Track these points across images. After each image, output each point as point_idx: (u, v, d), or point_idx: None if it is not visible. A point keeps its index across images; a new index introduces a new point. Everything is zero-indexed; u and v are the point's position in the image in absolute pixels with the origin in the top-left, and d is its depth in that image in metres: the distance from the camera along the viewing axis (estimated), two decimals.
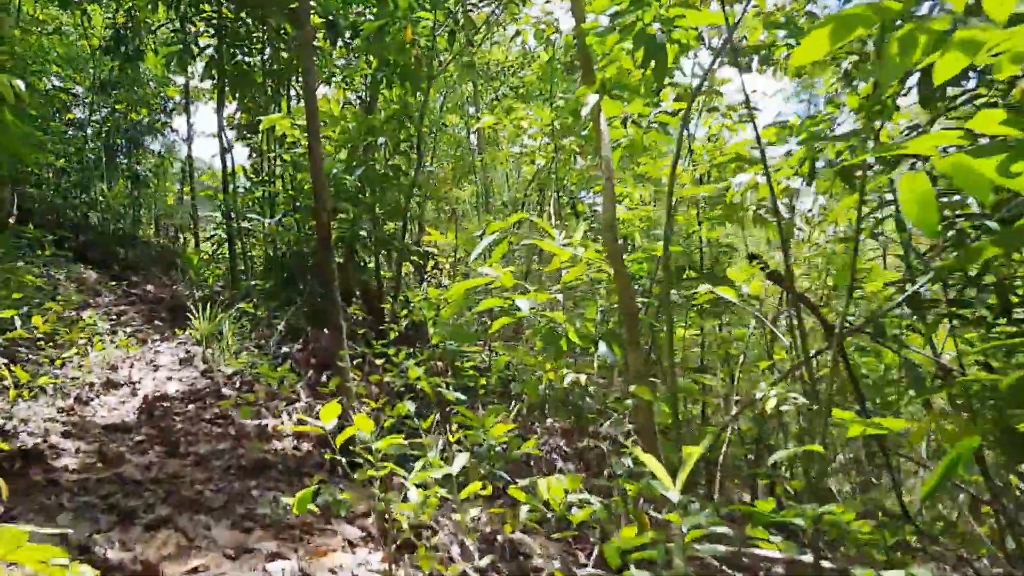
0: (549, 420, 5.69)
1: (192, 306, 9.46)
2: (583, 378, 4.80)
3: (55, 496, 3.44)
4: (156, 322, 8.06)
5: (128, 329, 7.30)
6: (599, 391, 5.98)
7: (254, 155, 11.80)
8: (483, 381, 6.15)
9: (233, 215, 10.25)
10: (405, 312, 5.74)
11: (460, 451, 4.52)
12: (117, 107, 13.95)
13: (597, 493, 4.13)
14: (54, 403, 4.52)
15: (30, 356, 5.34)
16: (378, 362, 5.24)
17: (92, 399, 4.93)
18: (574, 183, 8.78)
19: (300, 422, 4.83)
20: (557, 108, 8.05)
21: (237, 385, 5.55)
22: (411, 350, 5.59)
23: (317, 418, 5.08)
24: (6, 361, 4.60)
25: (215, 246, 12.21)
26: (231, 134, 11.54)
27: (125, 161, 14.53)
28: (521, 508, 3.95)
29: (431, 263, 6.77)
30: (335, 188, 7.21)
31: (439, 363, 5.35)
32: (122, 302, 9.12)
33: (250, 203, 11.07)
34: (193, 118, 15.60)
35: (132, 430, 4.47)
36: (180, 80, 15.40)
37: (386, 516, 3.54)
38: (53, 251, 9.95)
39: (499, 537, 3.68)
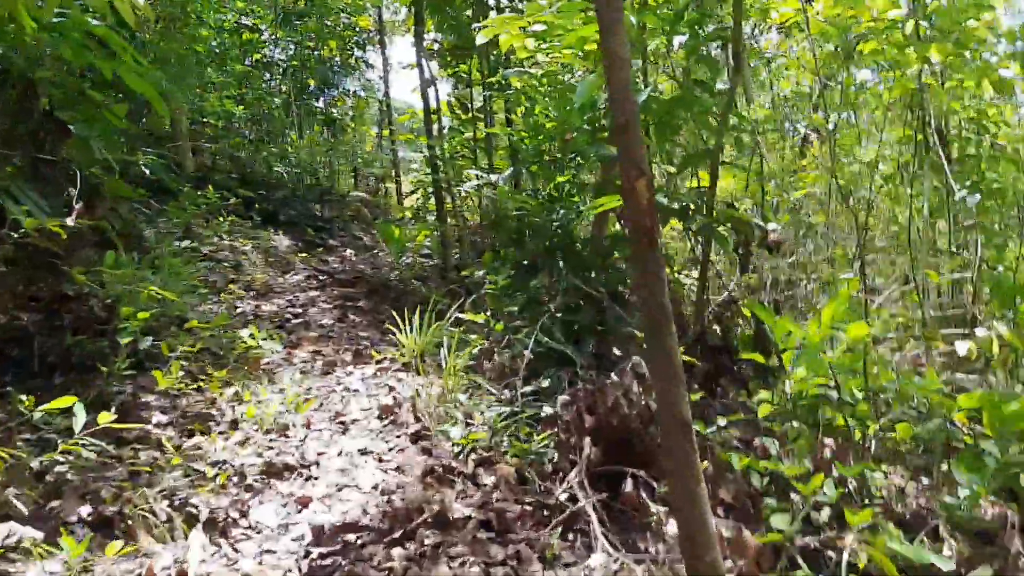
0: None
1: (397, 287, 7.49)
2: None
3: None
4: (351, 316, 6.05)
5: (310, 337, 5.29)
6: None
7: (460, 87, 9.55)
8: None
9: (440, 163, 8.07)
10: (784, 347, 3.09)
11: None
12: (306, 44, 12.22)
13: None
14: (157, 556, 2.41)
15: (151, 430, 3.34)
16: (741, 469, 2.66)
17: (235, 521, 2.83)
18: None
19: None
20: None
21: (470, 470, 3.25)
22: (793, 426, 2.98)
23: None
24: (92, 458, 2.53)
25: (420, 200, 10.22)
26: (433, 66, 9.33)
27: (318, 104, 12.90)
28: None
29: (759, 237, 4.03)
30: (591, 122, 4.66)
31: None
32: (313, 283, 7.26)
33: (458, 147, 8.88)
34: (389, 51, 13.63)
35: None
36: (372, 9, 13.48)
37: None
38: (232, 219, 8.31)
39: None
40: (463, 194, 8.94)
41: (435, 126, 8.46)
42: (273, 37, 11.78)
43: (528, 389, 3.85)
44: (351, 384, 4.22)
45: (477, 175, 5.09)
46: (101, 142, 4.23)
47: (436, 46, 9.47)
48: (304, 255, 8.68)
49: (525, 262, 4.52)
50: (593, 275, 4.52)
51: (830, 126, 7.76)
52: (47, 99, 4.16)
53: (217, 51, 10.55)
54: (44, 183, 3.96)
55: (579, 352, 4.05)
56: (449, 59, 9.01)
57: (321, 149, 12.12)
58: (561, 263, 4.40)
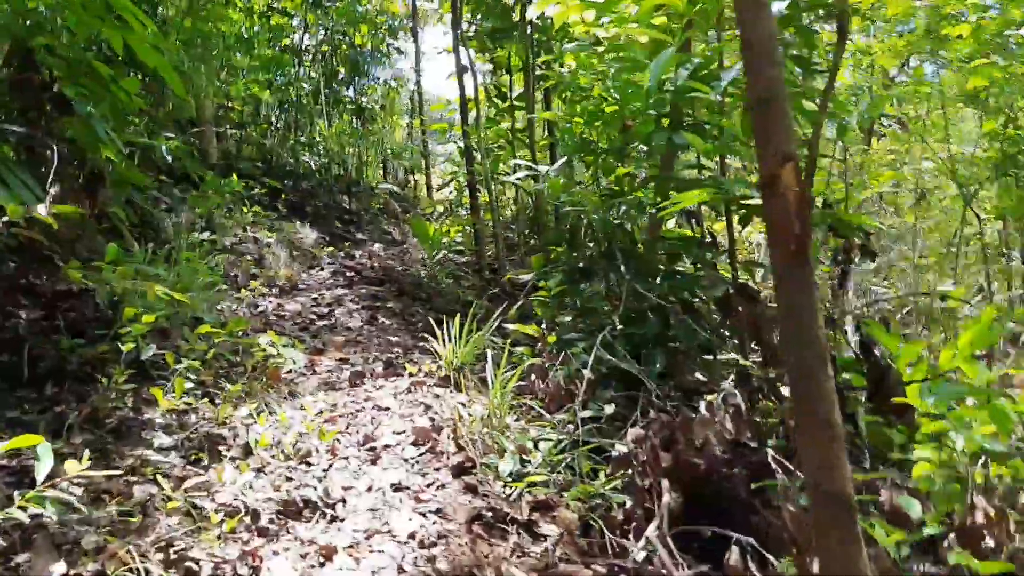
0: None
1: (428, 287, 6.97)
2: None
3: None
4: (381, 319, 5.55)
5: (336, 342, 4.79)
6: None
7: (499, 73, 9.01)
8: None
9: (476, 154, 7.54)
10: (909, 379, 2.51)
11: None
12: (337, 29, 11.73)
13: None
14: None
15: (150, 456, 2.84)
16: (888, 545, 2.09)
17: None
18: None
19: None
20: None
21: (526, 516, 2.73)
22: None
23: None
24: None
25: (453, 193, 9.70)
26: (468, 52, 8.78)
27: (348, 92, 12.42)
28: None
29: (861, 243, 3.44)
30: (656, 106, 4.10)
31: None
32: (339, 280, 6.78)
33: (495, 137, 8.35)
34: (421, 38, 13.11)
35: None
36: None
37: None
38: (256, 209, 7.86)
39: None
40: (499, 187, 8.44)
41: (471, 115, 7.94)
42: (303, 22, 11.31)
43: (587, 414, 3.31)
44: (382, 400, 3.70)
45: (522, 165, 4.53)
46: (108, 122, 3.75)
47: (472, 29, 8.94)
48: (331, 249, 8.22)
49: (580, 265, 3.98)
50: (658, 280, 3.97)
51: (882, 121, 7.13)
52: (47, 71, 3.69)
53: (246, 35, 10.10)
54: (41, 165, 3.49)
55: (646, 371, 3.50)
56: (488, 44, 8.47)
57: (350, 138, 11.63)
58: (622, 267, 3.85)
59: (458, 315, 4.38)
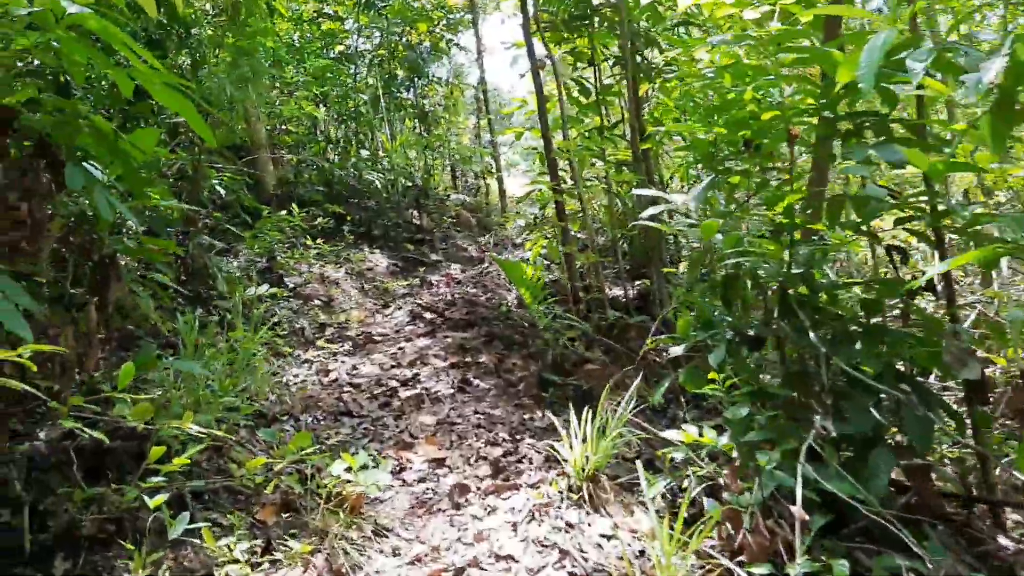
0: None
1: (521, 324, 5.95)
2: None
3: None
4: (473, 380, 4.59)
5: (426, 426, 3.85)
6: None
7: (579, 64, 7.91)
8: None
9: (567, 160, 6.50)
10: None
11: None
12: (392, 30, 10.82)
13: None
14: None
15: None
16: None
17: None
18: None
19: None
20: None
21: None
22: None
23: None
24: None
25: (537, 211, 8.67)
26: (539, 45, 7.70)
27: (408, 96, 11.51)
28: None
29: None
30: (830, 105, 3.01)
31: None
32: (419, 327, 5.85)
33: (580, 140, 7.28)
34: (481, 30, 12.10)
35: None
36: None
37: None
38: (319, 243, 7.04)
39: None
40: (587, 192, 7.41)
41: (551, 113, 6.88)
42: (356, 24, 10.44)
43: (806, 570, 2.27)
44: (498, 541, 2.72)
45: (658, 197, 3.46)
46: (113, 190, 2.87)
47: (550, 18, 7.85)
48: (405, 282, 7.32)
49: (750, 332, 2.91)
50: (856, 345, 2.88)
51: None
52: (38, 133, 2.83)
53: (296, 45, 9.30)
54: (29, 260, 2.63)
55: (870, 489, 2.43)
56: (564, 33, 7.38)
57: (415, 146, 10.72)
58: (811, 333, 2.77)
59: (561, 367, 3.38)
